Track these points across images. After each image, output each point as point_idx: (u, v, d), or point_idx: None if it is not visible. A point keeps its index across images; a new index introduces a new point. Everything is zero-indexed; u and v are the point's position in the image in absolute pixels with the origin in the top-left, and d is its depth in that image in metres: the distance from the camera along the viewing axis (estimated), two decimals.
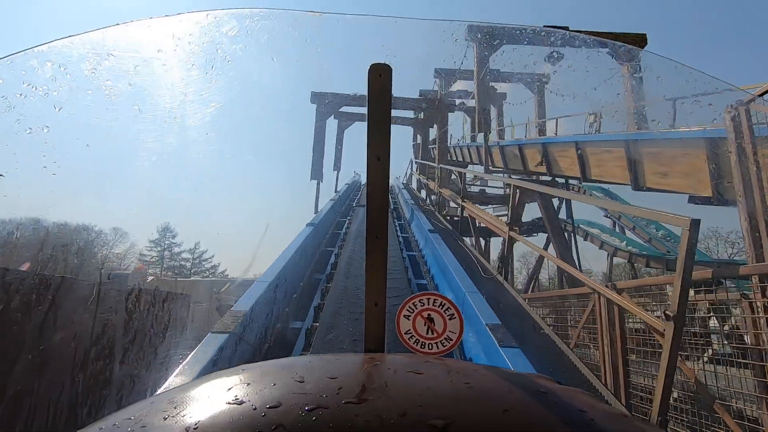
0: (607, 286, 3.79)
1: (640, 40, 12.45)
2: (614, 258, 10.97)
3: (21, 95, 1.81)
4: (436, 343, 1.10)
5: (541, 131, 13.76)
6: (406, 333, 1.24)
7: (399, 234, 8.71)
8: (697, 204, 5.51)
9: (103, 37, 1.70)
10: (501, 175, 11.77)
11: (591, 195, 11.88)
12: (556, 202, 10.22)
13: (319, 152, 15.28)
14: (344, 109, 16.79)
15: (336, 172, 18.10)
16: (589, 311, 4.44)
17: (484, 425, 0.37)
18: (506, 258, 6.46)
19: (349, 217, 10.92)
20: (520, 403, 0.41)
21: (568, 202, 10.42)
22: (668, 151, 6.06)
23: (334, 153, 18.35)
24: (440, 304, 1.45)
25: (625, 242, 11.06)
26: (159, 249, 26.78)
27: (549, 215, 9.64)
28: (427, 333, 1.43)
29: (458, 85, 16.49)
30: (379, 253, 0.64)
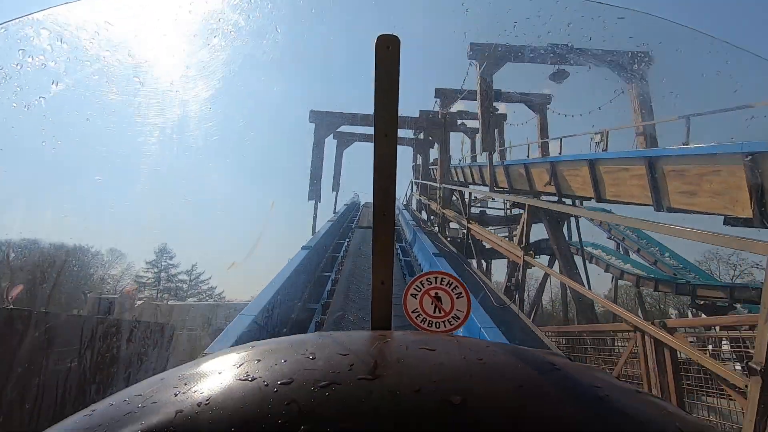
0: (653, 324, 3.11)
1: (645, 58, 12.07)
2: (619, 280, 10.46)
3: (17, 65, 1.74)
4: (444, 322, 1.05)
5: (544, 152, 13.34)
6: (413, 312, 1.24)
7: (401, 257, 8.04)
8: (734, 226, 4.90)
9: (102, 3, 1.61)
10: (508, 194, 11.10)
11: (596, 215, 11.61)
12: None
13: (317, 172, 14.70)
14: (343, 128, 16.21)
15: (335, 192, 17.59)
16: (629, 352, 3.74)
17: (499, 401, 0.37)
18: (520, 284, 5.80)
19: (348, 239, 10.25)
20: (534, 379, 0.41)
21: (573, 222, 10.03)
22: (696, 168, 5.51)
23: (332, 173, 17.82)
24: (448, 282, 1.52)
25: (629, 264, 10.75)
26: (156, 270, 26.34)
27: (556, 236, 9.07)
28: (435, 312, 1.49)
29: (458, 106, 16.04)
30: (387, 231, 0.64)
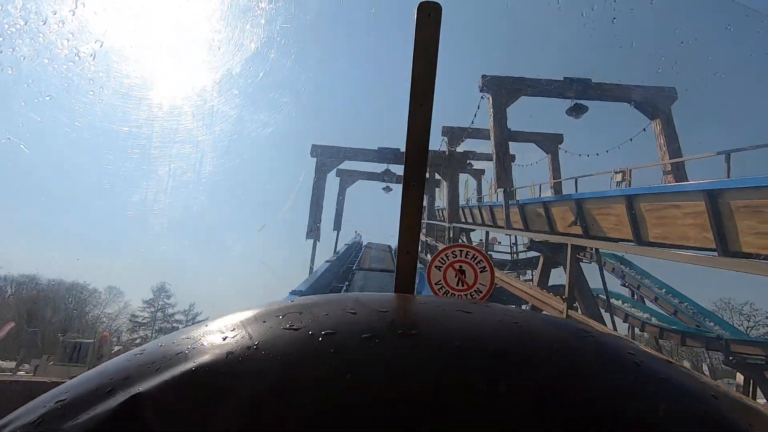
0: None
1: (670, 95, 11.25)
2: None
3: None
4: (466, 295, 1.10)
5: (557, 192, 12.29)
6: (436, 284, 1.51)
7: None
8: None
9: None
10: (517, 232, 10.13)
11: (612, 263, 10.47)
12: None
13: (317, 209, 13.59)
14: (345, 165, 15.79)
15: (336, 232, 16.93)
16: None
17: (538, 358, 0.39)
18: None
19: (347, 282, 8.96)
20: (570, 342, 0.44)
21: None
22: None
23: (334, 212, 17.50)
24: (473, 256, 1.98)
25: (647, 314, 9.85)
26: (152, 309, 25.82)
27: (579, 282, 8.04)
28: (458, 284, 1.91)
29: (465, 145, 15.30)
30: (415, 201, 0.65)
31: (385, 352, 0.38)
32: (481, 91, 11.01)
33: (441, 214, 16.84)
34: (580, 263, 10.09)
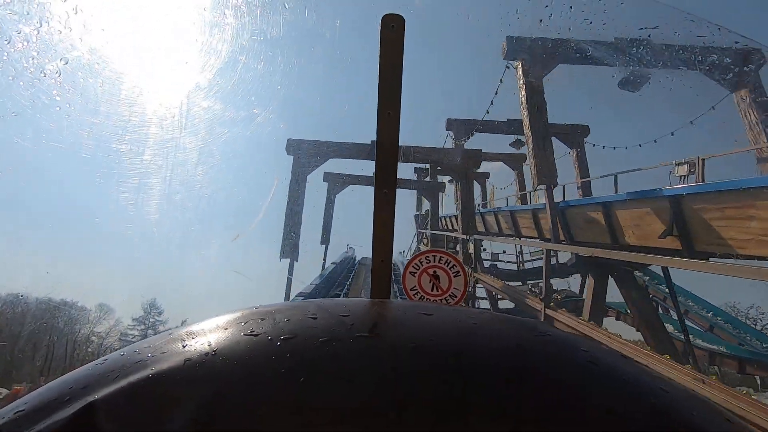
0: None
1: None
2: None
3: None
4: (442, 299, 1.12)
5: (585, 193, 10.88)
6: (411, 289, 1.48)
7: None
8: None
9: None
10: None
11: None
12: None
13: (295, 220, 10.54)
14: (332, 167, 13.14)
15: (324, 246, 14.43)
16: None
17: (493, 357, 0.40)
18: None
19: None
20: (527, 341, 0.45)
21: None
22: None
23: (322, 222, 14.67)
24: (446, 261, 1.98)
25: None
26: (143, 327, 25.36)
27: (635, 297, 6.90)
28: (432, 290, 1.93)
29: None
30: (387, 208, 0.67)
31: (341, 353, 0.39)
32: (505, 58, 8.20)
33: (447, 223, 14.00)
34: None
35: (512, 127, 11.41)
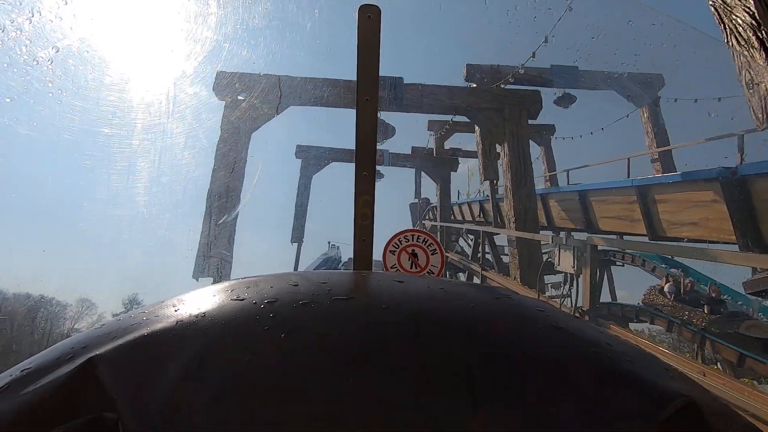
0: None
1: (656, 81, 10.85)
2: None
3: None
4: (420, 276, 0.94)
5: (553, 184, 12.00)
6: (392, 267, 1.61)
7: None
8: None
9: None
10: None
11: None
12: None
13: (302, 216, 12.70)
14: (334, 168, 13.76)
15: (296, 244, 12.54)
16: None
17: (454, 315, 0.45)
18: None
19: None
20: (486, 302, 0.50)
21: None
22: None
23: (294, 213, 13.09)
24: (423, 240, 2.13)
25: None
26: None
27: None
28: (411, 267, 2.09)
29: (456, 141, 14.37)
30: (367, 189, 0.71)
31: (319, 313, 0.43)
32: (465, 80, 10.60)
33: (465, 212, 15.25)
34: (612, 265, 9.00)
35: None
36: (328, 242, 15.69)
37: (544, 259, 6.49)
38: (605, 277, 8.54)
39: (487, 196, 13.34)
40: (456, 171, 13.84)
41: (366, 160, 0.71)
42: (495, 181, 9.81)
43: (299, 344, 0.39)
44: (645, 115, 10.16)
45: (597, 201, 7.71)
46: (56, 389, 0.37)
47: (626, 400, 0.37)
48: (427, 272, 2.67)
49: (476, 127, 9.95)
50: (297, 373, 0.37)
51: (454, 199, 14.17)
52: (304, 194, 12.96)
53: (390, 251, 2.70)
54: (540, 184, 12.23)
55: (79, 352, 0.40)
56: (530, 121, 9.84)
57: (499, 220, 9.32)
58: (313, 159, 13.13)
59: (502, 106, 8.34)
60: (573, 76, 10.06)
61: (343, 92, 8.02)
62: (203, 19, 8.16)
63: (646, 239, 6.63)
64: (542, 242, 7.30)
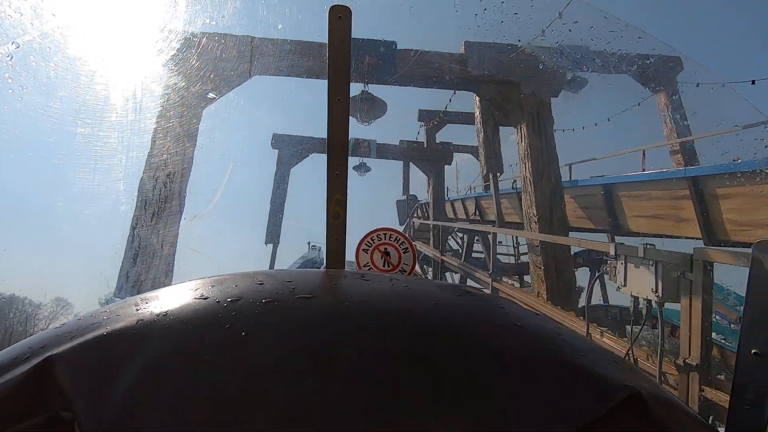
0: None
1: (674, 64, 9.64)
2: None
3: None
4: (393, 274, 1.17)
5: None
6: (365, 266, 1.46)
7: None
8: None
9: None
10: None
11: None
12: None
13: (278, 214, 11.12)
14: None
15: (271, 246, 11.20)
16: None
17: (416, 313, 0.46)
18: None
19: None
20: (448, 300, 0.51)
21: None
22: None
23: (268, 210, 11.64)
24: (395, 238, 1.88)
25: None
26: None
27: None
28: (384, 265, 1.81)
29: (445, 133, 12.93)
30: (340, 189, 0.72)
31: (281, 312, 0.43)
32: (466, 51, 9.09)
33: (426, 209, 14.23)
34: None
35: None
36: (308, 243, 13.96)
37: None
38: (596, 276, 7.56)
39: (487, 191, 12.06)
40: (450, 164, 12.69)
41: (338, 161, 0.71)
42: (498, 174, 8.53)
43: (260, 343, 0.40)
44: (662, 102, 9.05)
45: (628, 197, 6.34)
46: (12, 389, 0.37)
47: (573, 392, 0.39)
48: (400, 270, 2.48)
49: (477, 111, 8.70)
50: (257, 372, 0.37)
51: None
52: (281, 189, 11.66)
53: (363, 250, 2.47)
54: None
55: (37, 351, 0.40)
56: None
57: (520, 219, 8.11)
58: (291, 149, 11.76)
59: (518, 78, 6.68)
60: (585, 58, 8.86)
61: (321, 59, 6.25)
62: (172, 12, 6.99)
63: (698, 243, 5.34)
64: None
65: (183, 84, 5.85)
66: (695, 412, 0.45)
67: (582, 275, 7.78)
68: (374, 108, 8.87)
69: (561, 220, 6.36)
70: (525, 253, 10.79)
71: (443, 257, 9.36)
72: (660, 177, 6.13)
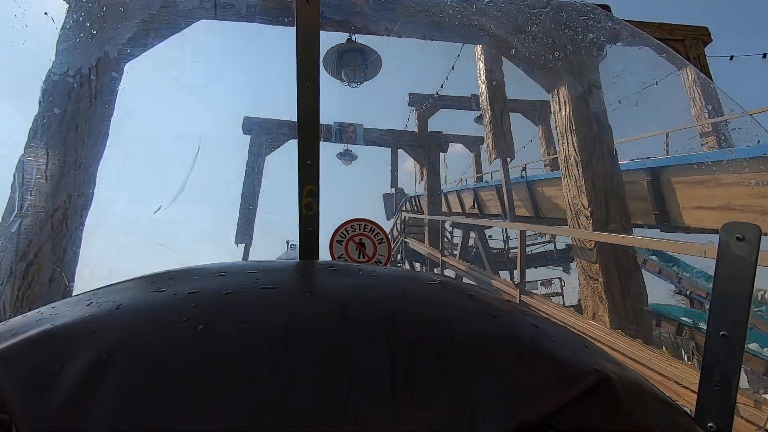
0: None
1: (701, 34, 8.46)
2: None
3: None
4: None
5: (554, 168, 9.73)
6: (339, 257, 1.45)
7: None
8: None
9: None
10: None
11: None
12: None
13: (250, 208, 9.69)
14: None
15: (243, 247, 9.67)
16: None
17: (382, 301, 0.45)
18: None
19: None
20: (417, 288, 0.50)
21: None
22: None
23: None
24: (370, 229, 1.91)
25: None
26: None
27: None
28: (359, 257, 1.84)
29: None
30: (311, 179, 0.70)
31: (241, 304, 0.41)
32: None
33: (416, 203, 13.19)
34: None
35: (477, 103, 11.01)
36: (287, 242, 12.27)
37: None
38: None
39: (487, 182, 10.90)
40: (446, 152, 11.46)
41: (309, 150, 0.70)
42: (509, 160, 7.22)
43: (215, 336, 0.38)
44: (689, 78, 7.88)
45: (683, 184, 5.10)
46: None
47: (542, 377, 0.38)
48: (375, 261, 2.58)
49: (482, 87, 7.33)
50: (209, 366, 0.35)
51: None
52: (254, 180, 10.14)
53: (337, 241, 2.53)
54: (540, 170, 9.99)
55: None
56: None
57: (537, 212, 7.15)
58: (265, 135, 10.31)
59: (556, 29, 4.87)
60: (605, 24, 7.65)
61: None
62: None
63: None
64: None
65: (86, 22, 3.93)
66: (666, 396, 0.45)
67: None
68: (363, 63, 7.21)
69: (622, 212, 4.62)
70: (514, 248, 10.41)
71: (445, 258, 8.09)
72: (733, 156, 4.62)
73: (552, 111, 5.09)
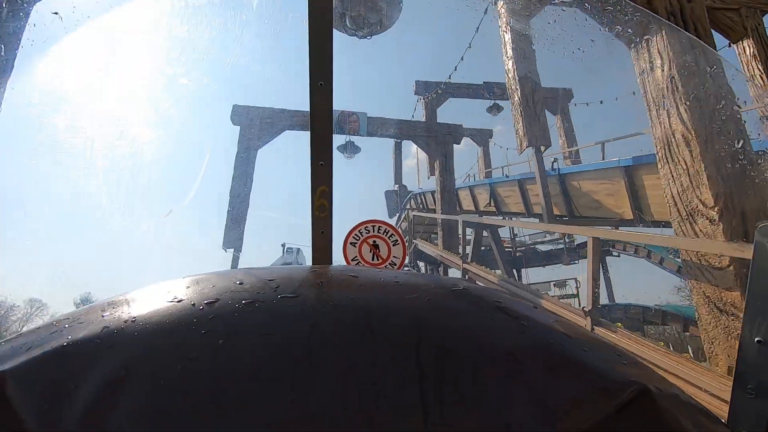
0: None
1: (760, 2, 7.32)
2: None
3: None
4: (383, 267, 1.42)
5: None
6: (353, 260, 1.54)
7: None
8: None
9: None
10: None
11: None
12: None
13: (242, 207, 8.62)
14: (286, 138, 9.81)
15: (232, 252, 8.57)
16: None
17: (407, 310, 0.42)
18: None
19: None
20: (441, 295, 0.47)
21: None
22: None
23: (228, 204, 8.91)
24: (384, 230, 2.01)
25: None
26: None
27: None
28: (373, 259, 1.94)
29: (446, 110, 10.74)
30: (324, 180, 0.69)
31: (262, 314, 0.40)
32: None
33: (422, 200, 12.26)
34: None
35: (489, 91, 9.92)
36: (283, 245, 11.10)
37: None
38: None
39: (507, 177, 9.84)
40: (459, 144, 10.41)
41: (322, 150, 0.68)
42: (544, 148, 6.13)
43: (238, 349, 0.37)
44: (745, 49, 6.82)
45: None
46: None
47: (580, 390, 0.37)
48: (390, 263, 2.42)
49: (509, 58, 6.26)
50: (234, 382, 0.34)
51: (433, 186, 10.87)
52: (244, 175, 9.10)
53: (350, 243, 2.41)
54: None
55: None
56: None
57: (571, 211, 6.44)
58: (257, 125, 9.30)
59: None
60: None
61: None
62: None
63: None
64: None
65: None
66: (704, 407, 0.43)
67: None
68: (376, 7, 5.96)
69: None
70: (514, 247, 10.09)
71: (467, 265, 6.76)
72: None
73: (641, 71, 3.68)
